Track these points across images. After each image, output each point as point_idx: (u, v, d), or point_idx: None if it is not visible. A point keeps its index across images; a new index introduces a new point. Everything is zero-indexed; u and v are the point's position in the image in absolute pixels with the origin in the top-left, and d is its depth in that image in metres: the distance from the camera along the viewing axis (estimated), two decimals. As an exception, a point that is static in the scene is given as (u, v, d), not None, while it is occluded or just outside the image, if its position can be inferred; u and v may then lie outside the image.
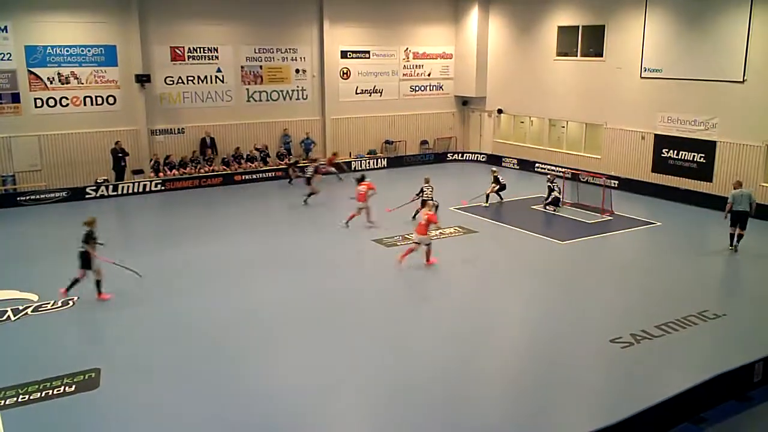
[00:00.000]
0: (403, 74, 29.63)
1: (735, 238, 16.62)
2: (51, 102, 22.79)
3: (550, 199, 20.77)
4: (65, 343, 11.47)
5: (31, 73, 22.32)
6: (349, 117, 28.62)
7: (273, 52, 26.51)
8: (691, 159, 22.33)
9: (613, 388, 10.04)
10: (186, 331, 11.95)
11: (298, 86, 27.34)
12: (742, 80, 20.54)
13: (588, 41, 25.59)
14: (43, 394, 9.64)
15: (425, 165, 28.73)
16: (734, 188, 16.69)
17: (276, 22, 26.36)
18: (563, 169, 23.83)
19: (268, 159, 26.31)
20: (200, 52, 25.08)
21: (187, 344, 11.41)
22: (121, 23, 23.44)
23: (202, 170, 24.86)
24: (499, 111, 29.76)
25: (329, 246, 17.25)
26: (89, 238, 13.20)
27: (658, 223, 19.21)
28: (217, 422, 9.00)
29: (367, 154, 28.84)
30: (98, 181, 23.06)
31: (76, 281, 13.19)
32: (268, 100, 26.73)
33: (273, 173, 25.74)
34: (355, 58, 28.37)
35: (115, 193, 23.00)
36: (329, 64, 27.62)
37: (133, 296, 13.66)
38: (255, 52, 26.11)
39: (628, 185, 23.42)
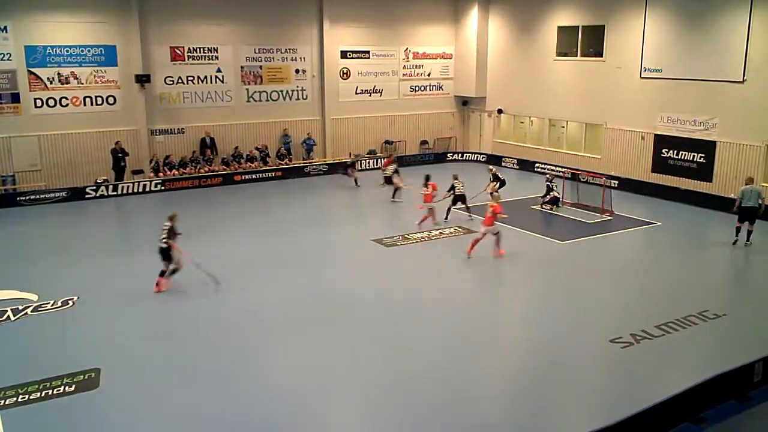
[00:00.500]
0: (403, 74, 29.64)
1: (746, 235, 16.80)
2: (51, 102, 22.79)
3: (548, 198, 20.78)
4: (65, 343, 11.47)
5: (30, 73, 22.33)
6: (349, 117, 28.62)
7: (273, 52, 26.52)
8: (691, 159, 22.33)
9: (613, 388, 10.04)
10: (186, 330, 11.96)
11: (298, 86, 27.34)
12: (742, 80, 20.54)
13: (588, 41, 25.59)
14: (42, 394, 9.64)
15: (425, 165, 28.71)
16: (745, 184, 16.92)
17: (276, 22, 26.37)
18: (563, 169, 23.83)
19: (268, 159, 26.30)
20: (200, 52, 25.08)
21: (187, 344, 11.42)
22: (121, 23, 23.44)
23: (201, 170, 24.85)
24: (499, 111, 29.77)
25: (329, 246, 17.26)
26: (172, 234, 13.63)
27: (658, 223, 19.21)
28: (217, 422, 9.00)
29: (367, 154, 28.83)
30: (98, 181, 23.06)
31: (163, 272, 13.72)
32: (268, 100, 26.73)
33: (273, 173, 25.73)
34: (355, 58, 28.37)
35: (115, 193, 22.99)
36: (329, 64, 27.62)
37: (133, 296, 13.66)
38: (255, 52, 26.11)
39: (628, 185, 23.42)
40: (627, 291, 14.11)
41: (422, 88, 30.28)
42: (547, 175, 22.07)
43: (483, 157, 29.73)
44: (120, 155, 23.30)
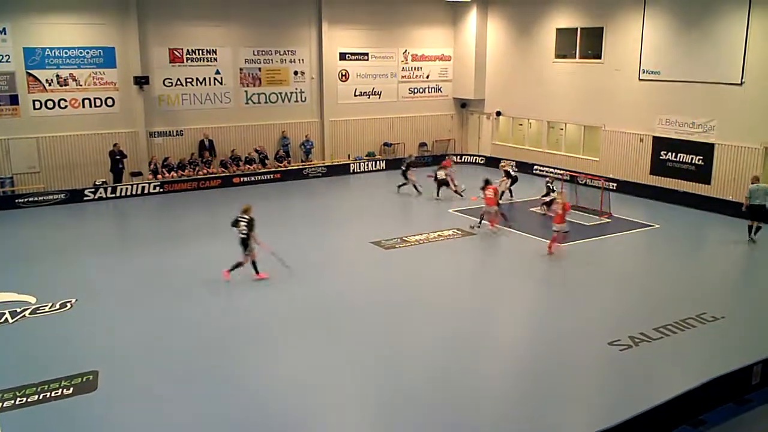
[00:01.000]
0: (402, 76, 29.65)
1: (754, 230, 17.11)
2: (49, 104, 22.78)
3: (548, 200, 20.75)
4: (63, 346, 11.45)
5: (29, 75, 22.32)
6: (348, 119, 28.62)
7: (271, 54, 26.53)
8: (689, 161, 22.35)
9: (611, 391, 10.05)
10: (185, 332, 11.95)
11: (296, 88, 27.34)
12: (740, 83, 20.57)
13: (587, 43, 25.62)
14: (41, 397, 9.63)
15: (424, 167, 28.71)
16: (752, 183, 17.27)
17: (275, 24, 26.37)
18: (562, 172, 23.84)
19: (266, 161, 26.30)
20: (199, 54, 25.08)
21: (186, 345, 11.41)
22: (120, 25, 23.44)
23: (200, 172, 24.84)
24: (498, 113, 29.78)
25: (328, 248, 17.26)
26: (252, 225, 14.20)
27: (657, 226, 19.22)
28: (216, 423, 8.99)
29: (366, 156, 28.84)
30: (97, 183, 23.04)
31: (239, 264, 14.28)
32: (266, 102, 26.73)
33: (271, 175, 25.73)
34: (354, 60, 28.38)
35: (114, 195, 22.97)
36: (328, 66, 27.63)
37: (132, 298, 13.67)
38: (254, 54, 26.12)
39: (627, 187, 23.43)
40: (625, 293, 14.12)
41: (421, 90, 30.29)
42: (547, 178, 22.08)
43: (482, 159, 29.76)
44: (118, 157, 23.29)
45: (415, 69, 29.90)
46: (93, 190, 22.73)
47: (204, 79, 25.29)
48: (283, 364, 10.76)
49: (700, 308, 12.82)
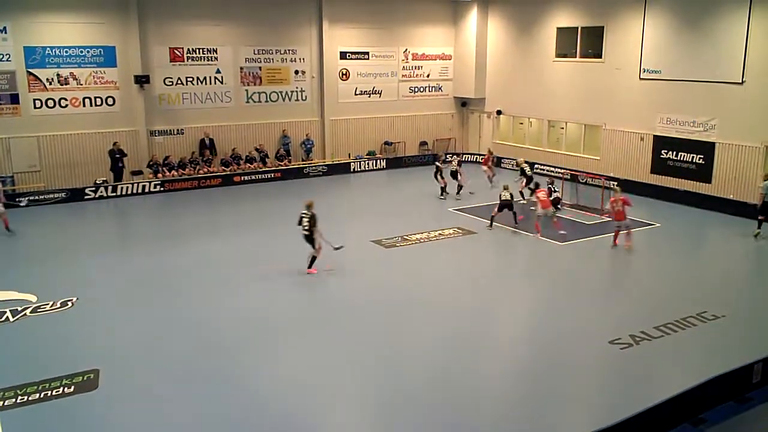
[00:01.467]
0: (402, 75, 29.64)
1: (759, 224, 17.57)
2: (50, 103, 22.78)
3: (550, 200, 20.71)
4: (64, 344, 11.46)
5: (30, 74, 22.32)
6: (348, 118, 28.62)
7: (272, 53, 26.52)
8: (690, 160, 22.35)
9: (612, 389, 10.05)
10: (186, 331, 11.95)
11: (297, 87, 27.34)
12: (741, 82, 20.56)
13: (587, 42, 25.61)
14: (42, 395, 9.64)
15: (425, 166, 28.75)
16: (765, 179, 17.70)
17: (275, 23, 26.37)
18: (562, 170, 23.84)
19: (267, 160, 26.30)
20: (199, 53, 25.08)
21: (186, 345, 11.41)
22: (121, 24, 23.44)
23: (200, 171, 24.84)
24: (498, 112, 29.78)
25: (328, 247, 17.23)
26: (314, 221, 14.52)
27: (657, 225, 19.22)
28: (216, 423, 8.99)
29: (366, 155, 28.84)
30: (97, 182, 23.04)
31: (314, 258, 14.72)
32: (267, 101, 26.73)
33: (272, 174, 25.73)
34: (355, 59, 28.37)
35: (114, 194, 22.97)
36: (328, 65, 27.63)
37: (133, 297, 13.68)
38: (254, 53, 26.11)
39: (627, 186, 23.36)
40: (626, 292, 14.13)
41: (421, 89, 30.28)
42: (548, 179, 22.04)
43: (482, 158, 29.71)
44: (118, 156, 23.29)
45: (415, 68, 29.89)
46: (94, 188, 22.73)
47: (204, 78, 25.28)
48: (283, 363, 10.76)
49: (701, 307, 12.82)
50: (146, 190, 23.44)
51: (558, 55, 26.72)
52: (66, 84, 22.91)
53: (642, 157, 23.83)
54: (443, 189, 22.36)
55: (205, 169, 24.95)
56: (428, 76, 30.31)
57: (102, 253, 16.88)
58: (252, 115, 26.48)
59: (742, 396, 9.62)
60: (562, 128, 27.18)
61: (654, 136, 23.36)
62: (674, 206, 21.45)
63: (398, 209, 21.22)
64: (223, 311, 12.86)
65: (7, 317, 12.51)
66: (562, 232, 17.94)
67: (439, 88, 30.72)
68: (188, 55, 24.88)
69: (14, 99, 22.21)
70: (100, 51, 23.33)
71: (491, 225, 18.67)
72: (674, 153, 22.81)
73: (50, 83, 22.66)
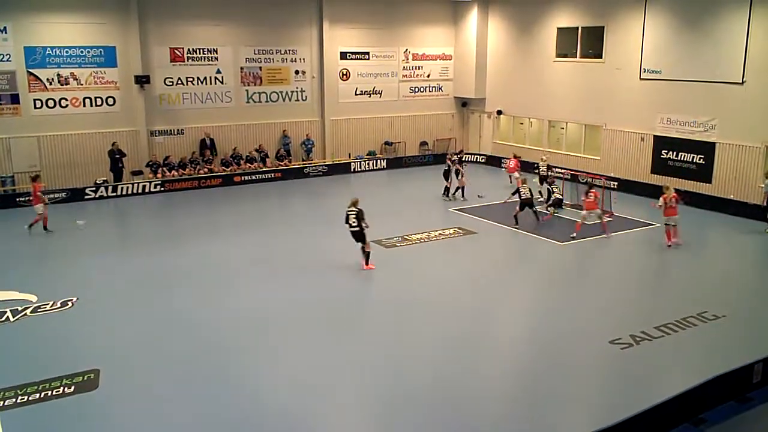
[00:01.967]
0: (403, 75, 29.64)
1: None
2: (50, 103, 22.80)
3: (551, 201, 20.73)
4: (64, 344, 11.46)
5: (30, 74, 22.33)
6: (349, 118, 28.63)
7: (272, 53, 26.53)
8: (690, 160, 22.34)
9: (612, 389, 10.04)
10: (186, 331, 11.95)
11: (297, 87, 27.34)
12: (741, 82, 20.55)
13: (587, 42, 25.61)
14: (42, 395, 9.64)
15: (425, 166, 28.78)
16: (767, 177, 18.63)
17: (275, 23, 26.37)
18: (563, 171, 23.83)
19: (267, 160, 26.30)
20: (200, 53, 25.09)
21: (186, 345, 11.41)
22: (121, 24, 23.45)
23: (201, 171, 24.85)
24: (499, 112, 29.78)
25: (329, 247, 17.24)
26: (361, 216, 14.85)
27: (657, 225, 19.18)
28: (216, 423, 8.99)
29: (367, 155, 28.84)
30: (98, 182, 23.05)
31: (368, 253, 15.10)
32: (267, 101, 26.73)
33: (272, 174, 25.73)
34: (355, 59, 28.38)
35: (114, 194, 22.99)
36: (329, 65, 27.63)
37: (133, 297, 13.68)
38: (254, 53, 26.12)
39: (628, 186, 23.42)
40: (626, 292, 14.12)
41: (422, 90, 30.28)
42: (548, 180, 22.06)
43: (483, 158, 29.75)
44: (117, 156, 23.30)
45: (415, 68, 29.89)
46: (94, 188, 22.75)
47: (205, 78, 25.30)
48: (283, 363, 10.76)
49: (701, 307, 12.82)
50: (146, 190, 23.46)
51: (558, 55, 26.72)
52: (66, 84, 22.92)
53: (642, 157, 23.82)
54: (447, 189, 22.35)
55: (206, 169, 24.95)
56: (428, 76, 30.31)
57: (102, 253, 16.88)
58: (252, 115, 26.49)
59: (743, 396, 9.61)
60: (563, 128, 27.18)
61: (654, 136, 23.36)
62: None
63: (398, 209, 21.20)
64: (223, 311, 12.85)
65: (8, 317, 12.51)
66: (605, 235, 17.89)
67: (440, 88, 30.72)
68: (188, 55, 24.89)
69: (14, 99, 22.23)
70: (100, 51, 23.34)
71: (516, 223, 18.72)
72: (674, 153, 22.81)
73: (50, 83, 22.68)
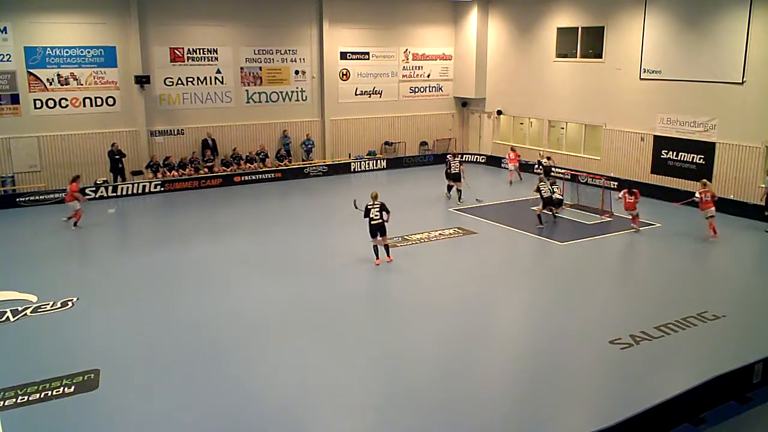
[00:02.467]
0: (403, 75, 29.65)
1: None
2: (50, 103, 22.80)
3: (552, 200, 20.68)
4: (64, 344, 11.46)
5: (30, 74, 22.34)
6: (349, 118, 28.63)
7: (272, 53, 26.53)
8: (690, 160, 22.34)
9: (612, 389, 10.04)
10: (185, 332, 11.95)
11: (297, 87, 27.35)
12: (741, 81, 20.55)
13: (587, 42, 25.61)
14: (42, 395, 9.63)
15: (425, 166, 28.78)
16: (767, 174, 18.79)
17: (275, 23, 26.38)
18: (563, 171, 23.84)
19: (266, 160, 26.30)
20: (200, 53, 25.10)
21: (186, 345, 11.41)
22: (121, 24, 23.46)
23: (200, 171, 24.85)
24: (499, 112, 29.78)
25: (328, 247, 17.26)
26: (385, 208, 15.36)
27: (658, 225, 19.21)
28: (217, 423, 8.99)
29: (367, 155, 28.85)
30: (98, 182, 23.06)
31: (387, 248, 15.62)
32: (267, 102, 26.74)
33: (272, 174, 25.74)
34: (355, 59, 28.39)
35: (115, 194, 23.00)
36: (329, 65, 27.63)
37: (133, 297, 13.68)
38: (254, 53, 26.13)
39: (628, 186, 23.33)
40: (626, 292, 14.12)
41: (422, 90, 30.29)
42: (548, 179, 22.05)
43: (483, 159, 29.76)
44: (117, 157, 23.30)
45: (415, 68, 29.90)
46: (94, 189, 22.75)
47: (205, 78, 25.31)
48: (283, 363, 10.75)
49: (701, 307, 12.82)
50: (146, 190, 23.46)
51: (558, 55, 26.72)
52: (66, 84, 22.93)
53: (642, 157, 23.83)
54: (451, 188, 22.33)
55: (205, 170, 24.95)
56: (428, 76, 30.31)
57: (102, 253, 16.90)
58: (252, 115, 26.50)
59: (743, 396, 9.61)
60: (563, 128, 27.18)
61: (654, 136, 23.36)
62: (674, 206, 21.39)
63: (398, 209, 21.11)
64: (223, 311, 12.85)
65: (8, 317, 12.52)
66: (634, 227, 18.49)
67: (440, 88, 30.73)
68: (188, 55, 24.90)
69: (15, 99, 22.23)
70: (100, 51, 23.35)
71: (541, 222, 18.77)
72: (674, 153, 22.81)
73: (50, 83, 22.68)
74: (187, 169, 24.60)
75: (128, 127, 24.16)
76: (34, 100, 22.54)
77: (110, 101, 23.81)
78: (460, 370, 10.55)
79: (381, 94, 29.28)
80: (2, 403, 9.44)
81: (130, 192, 23.20)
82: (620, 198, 18.57)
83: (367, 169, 27.89)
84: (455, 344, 11.46)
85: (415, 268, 15.44)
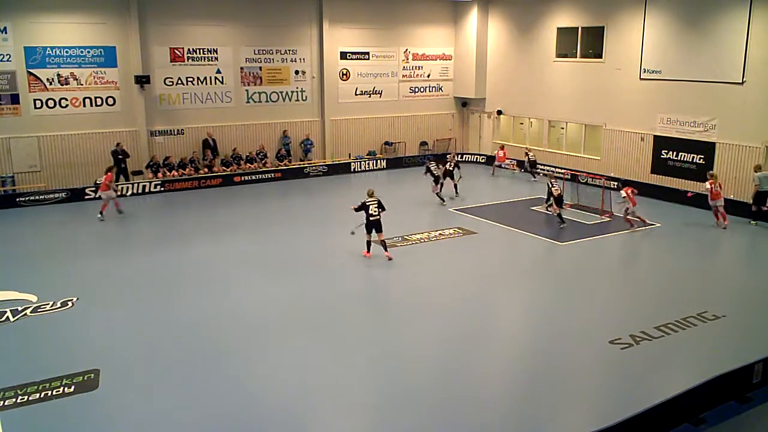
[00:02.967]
0: (403, 75, 29.65)
1: (760, 215, 18.88)
2: (50, 103, 22.80)
3: (552, 200, 20.68)
4: (64, 344, 11.45)
5: (30, 74, 22.34)
6: (349, 118, 28.63)
7: (272, 53, 26.53)
8: (690, 160, 22.34)
9: (612, 389, 10.04)
10: (185, 332, 11.95)
11: (297, 87, 27.35)
12: (741, 81, 20.55)
13: (587, 42, 25.61)
14: (42, 395, 9.63)
15: (425, 166, 28.70)
16: (755, 171, 19.00)
17: (275, 23, 26.38)
18: (563, 170, 23.84)
19: (266, 160, 26.29)
20: (200, 53, 25.09)
21: (186, 345, 11.41)
22: (121, 24, 23.46)
23: (200, 171, 24.84)
24: (499, 112, 29.78)
25: (327, 247, 17.25)
26: (382, 206, 15.69)
27: (658, 225, 19.21)
28: (216, 422, 8.99)
29: (367, 155, 28.85)
30: (98, 182, 23.01)
31: (384, 242, 15.70)
32: (267, 102, 26.74)
33: (272, 174, 25.74)
34: (355, 59, 28.39)
35: (115, 194, 22.92)
36: (329, 65, 27.63)
37: (133, 296, 13.68)
38: (254, 53, 26.13)
39: (628, 186, 23.34)
40: (626, 292, 14.12)
41: (422, 90, 30.29)
42: (548, 179, 22.05)
43: (482, 159, 29.76)
44: (120, 157, 23.30)
45: (415, 68, 29.90)
46: (94, 189, 22.72)
47: (205, 78, 25.31)
48: (283, 363, 10.75)
49: (701, 307, 12.82)
50: (146, 190, 23.47)
51: (558, 55, 26.72)
52: (66, 84, 22.92)
53: (642, 157, 23.82)
54: (454, 188, 22.52)
55: (205, 170, 24.95)
56: (428, 76, 30.31)
57: (102, 252, 16.89)
58: (252, 115, 26.50)
59: (743, 396, 9.61)
60: (563, 128, 27.18)
61: (654, 136, 23.36)
62: (674, 206, 21.44)
63: (398, 209, 21.16)
64: (223, 311, 12.85)
65: (7, 317, 12.51)
66: (638, 222, 18.77)
67: (440, 88, 30.73)
68: (188, 55, 24.90)
69: (14, 99, 22.23)
70: (100, 51, 23.34)
71: (563, 221, 18.86)
72: (674, 153, 22.81)
73: (50, 83, 22.68)
74: (187, 169, 24.60)
75: (128, 127, 24.15)
76: (34, 100, 22.53)
77: (110, 101, 23.80)
78: (460, 370, 10.55)
79: (381, 94, 29.28)
80: (2, 403, 9.44)
81: (130, 192, 23.19)
82: (625, 198, 18.50)
83: (367, 169, 27.89)
84: (455, 344, 11.46)
85: (415, 268, 15.44)
